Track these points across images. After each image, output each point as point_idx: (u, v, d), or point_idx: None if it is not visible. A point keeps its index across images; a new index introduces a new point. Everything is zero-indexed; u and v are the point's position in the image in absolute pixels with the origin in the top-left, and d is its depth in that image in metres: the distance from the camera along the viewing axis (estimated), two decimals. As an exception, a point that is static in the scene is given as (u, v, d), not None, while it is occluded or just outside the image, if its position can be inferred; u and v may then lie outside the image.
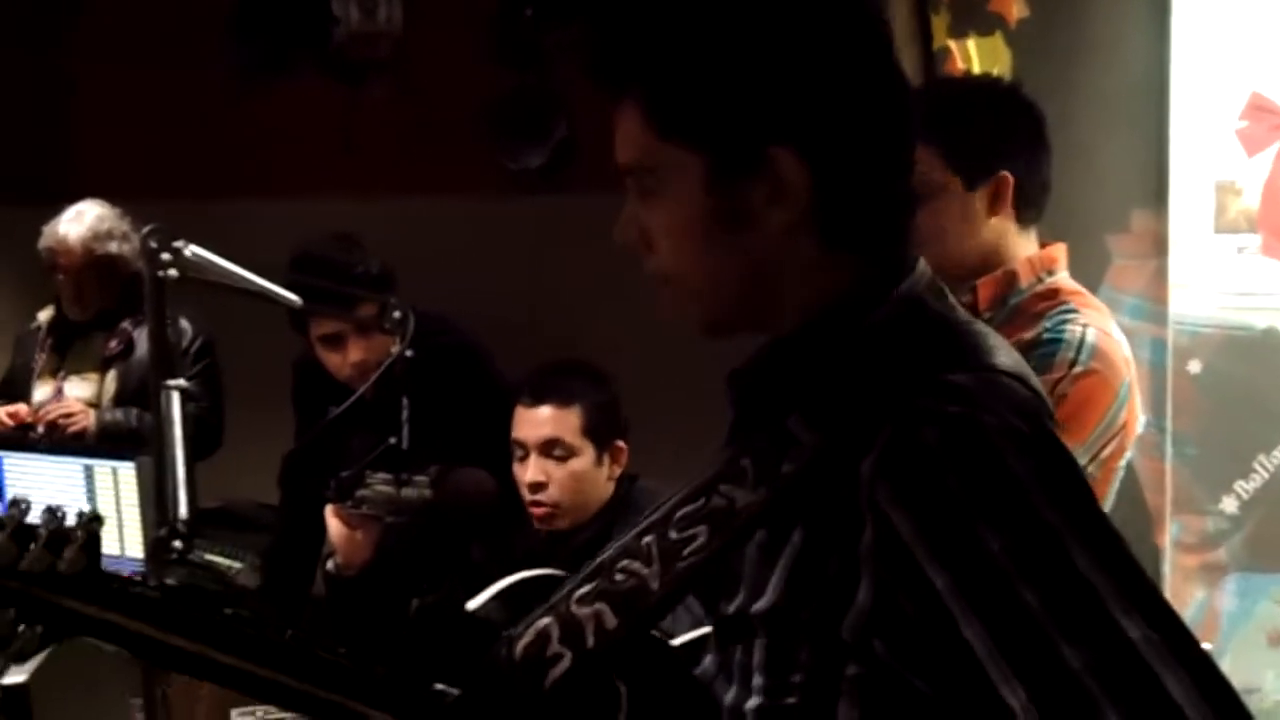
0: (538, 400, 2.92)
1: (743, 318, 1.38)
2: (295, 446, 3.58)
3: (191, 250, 2.57)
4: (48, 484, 3.58)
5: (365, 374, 3.08)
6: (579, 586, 1.40)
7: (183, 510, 2.54)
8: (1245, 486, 3.76)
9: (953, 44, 3.59)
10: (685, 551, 1.34)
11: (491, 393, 3.38)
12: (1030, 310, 2.42)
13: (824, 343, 1.32)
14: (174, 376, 2.57)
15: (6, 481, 3.63)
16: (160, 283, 2.53)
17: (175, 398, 2.57)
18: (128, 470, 3.44)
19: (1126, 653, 1.17)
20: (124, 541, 3.47)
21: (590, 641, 1.37)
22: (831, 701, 1.28)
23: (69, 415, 4.08)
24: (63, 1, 5.18)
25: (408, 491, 2.80)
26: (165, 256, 2.54)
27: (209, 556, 3.79)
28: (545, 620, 1.40)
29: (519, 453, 2.93)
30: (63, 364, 4.30)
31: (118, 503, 3.47)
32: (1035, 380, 1.35)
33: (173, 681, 2.82)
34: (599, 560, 1.41)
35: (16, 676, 1.85)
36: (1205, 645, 1.25)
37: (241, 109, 4.95)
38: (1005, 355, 1.34)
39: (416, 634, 2.96)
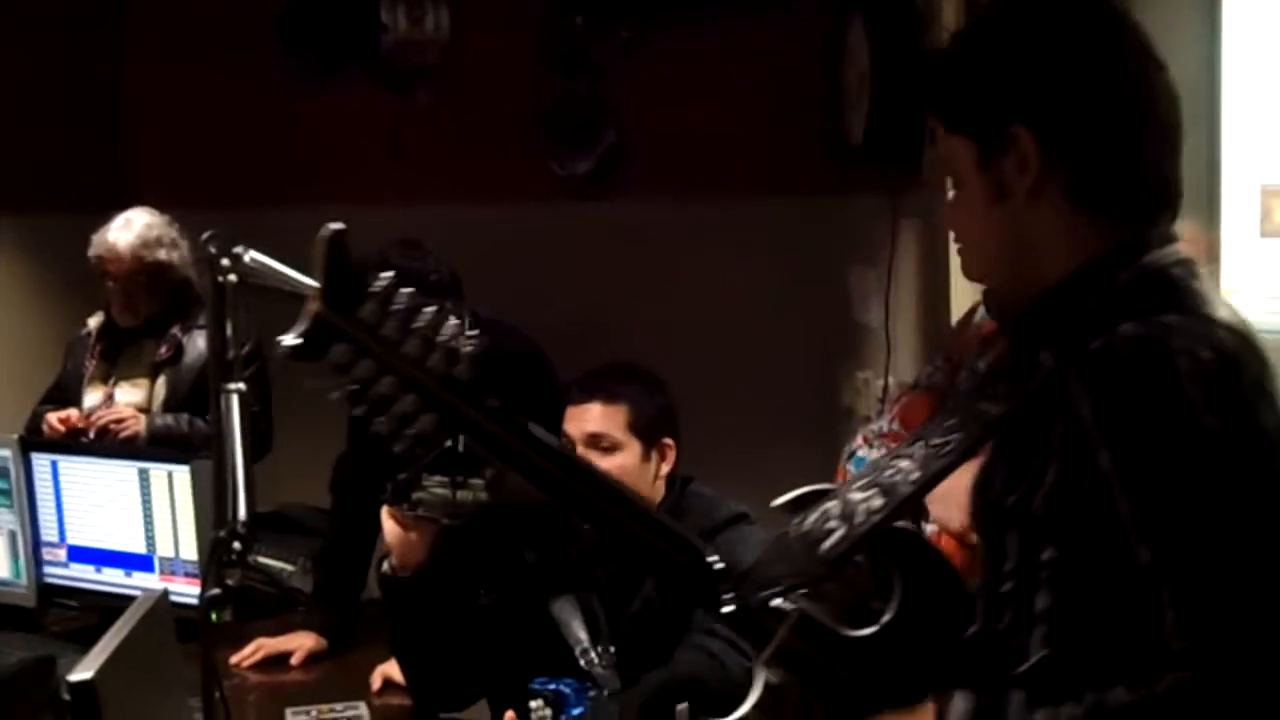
0: (586, 397, 2.94)
1: (1012, 281, 1.68)
2: (348, 449, 3.61)
3: (250, 255, 2.61)
4: (103, 487, 3.62)
5: None
6: (857, 480, 1.73)
7: (242, 512, 2.57)
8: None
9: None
10: (942, 452, 1.66)
11: (551, 400, 3.40)
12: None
13: (1076, 298, 1.60)
14: (233, 380, 2.60)
15: (63, 484, 3.67)
16: (220, 288, 2.56)
17: (235, 401, 2.60)
18: (183, 473, 3.48)
19: (1234, 566, 1.43)
20: (179, 544, 3.51)
21: (859, 519, 1.68)
22: (1032, 588, 1.55)
23: (120, 421, 4.11)
24: (112, 9, 5.21)
25: (463, 494, 2.81)
26: (224, 262, 2.58)
27: (262, 559, 3.83)
28: (829, 504, 1.72)
29: (567, 445, 2.94)
30: (113, 370, 4.33)
31: (172, 506, 3.51)
32: (1251, 333, 1.59)
33: (228, 679, 2.86)
34: (875, 461, 1.78)
35: (84, 673, 1.88)
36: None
37: (291, 117, 4.98)
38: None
39: (478, 633, 2.98)
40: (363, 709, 3.14)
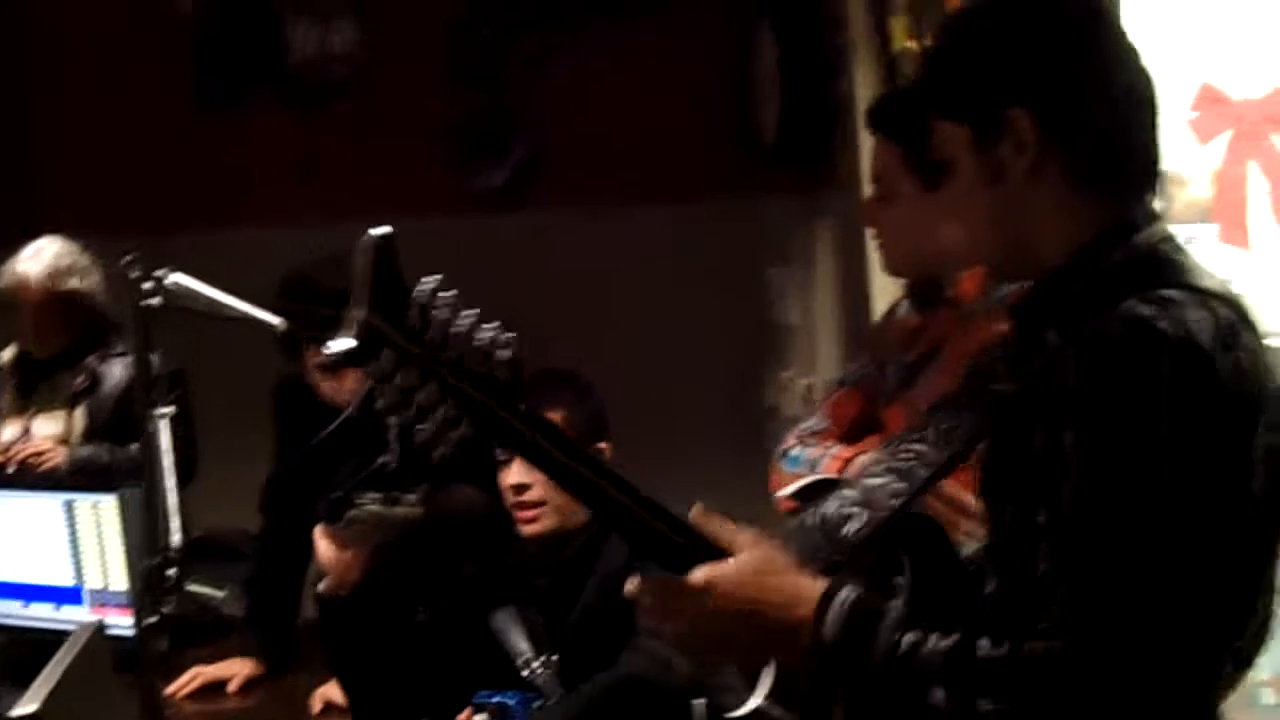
0: None
1: (1010, 263, 1.71)
2: (279, 470, 3.57)
3: (173, 278, 2.58)
4: (27, 521, 3.55)
5: None
6: (872, 467, 1.77)
7: (175, 538, 2.54)
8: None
9: (913, 45, 3.62)
10: (954, 434, 1.71)
11: None
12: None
13: (1076, 278, 1.62)
14: (159, 405, 2.58)
15: (-14, 521, 3.61)
16: (142, 311, 2.54)
17: (163, 426, 2.58)
18: (109, 503, 3.41)
19: (1137, 558, 1.45)
20: (108, 575, 3.45)
21: (880, 504, 1.73)
22: (1032, 551, 1.53)
23: (39, 454, 4.05)
24: (17, 35, 5.14)
25: (398, 510, 2.81)
26: (146, 285, 2.55)
27: (192, 587, 3.77)
28: (845, 492, 1.77)
29: (503, 458, 2.93)
30: (29, 402, 4.26)
31: (100, 537, 3.44)
32: (1244, 306, 1.59)
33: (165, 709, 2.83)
34: (888, 447, 1.79)
35: (28, 707, 1.85)
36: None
37: (201, 139, 4.93)
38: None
39: (418, 649, 2.96)
40: (305, 732, 3.11)
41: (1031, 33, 1.65)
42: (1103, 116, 1.63)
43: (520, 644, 2.95)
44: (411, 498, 2.82)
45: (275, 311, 2.77)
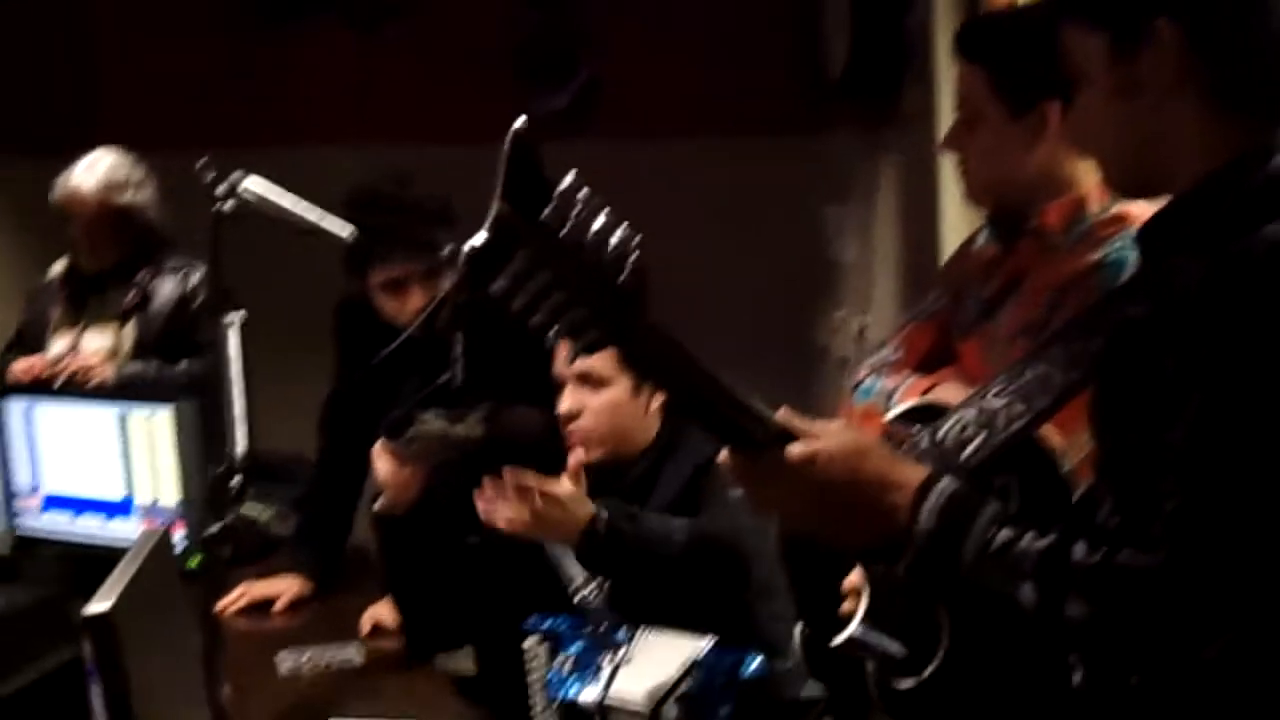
0: None
1: (1141, 179, 1.66)
2: (339, 388, 3.55)
3: (247, 183, 2.55)
4: (80, 432, 3.54)
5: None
6: (993, 387, 1.73)
7: (241, 447, 2.53)
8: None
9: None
10: (1082, 355, 1.67)
11: (542, 344, 3.35)
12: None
13: (1210, 203, 1.56)
14: (231, 310, 2.55)
15: (38, 430, 3.60)
16: (217, 216, 2.51)
17: (233, 334, 2.56)
18: (164, 416, 3.40)
19: (1252, 486, 1.41)
20: (159, 488, 3.44)
21: (1000, 425, 1.69)
22: (1156, 475, 1.47)
23: (87, 369, 4.03)
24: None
25: (459, 429, 2.78)
26: (221, 189, 2.53)
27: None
28: (965, 412, 1.72)
29: (557, 384, 2.90)
30: (80, 316, 4.24)
31: (152, 450, 3.43)
32: None
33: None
34: (1011, 367, 1.74)
35: (100, 606, 1.83)
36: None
37: (258, 57, 4.90)
38: None
39: (472, 571, 2.94)
40: (353, 651, 3.09)
41: None
42: (1253, 35, 1.57)
43: (573, 570, 2.92)
44: (473, 417, 2.79)
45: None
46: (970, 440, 1.70)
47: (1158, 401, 1.50)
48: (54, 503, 3.60)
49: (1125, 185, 1.73)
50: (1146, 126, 1.60)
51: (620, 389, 2.87)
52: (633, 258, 1.63)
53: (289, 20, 4.72)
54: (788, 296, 4.91)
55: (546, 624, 2.78)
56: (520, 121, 1.58)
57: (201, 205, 2.54)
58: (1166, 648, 1.46)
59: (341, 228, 2.70)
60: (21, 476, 3.62)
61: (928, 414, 1.79)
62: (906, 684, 1.76)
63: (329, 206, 2.98)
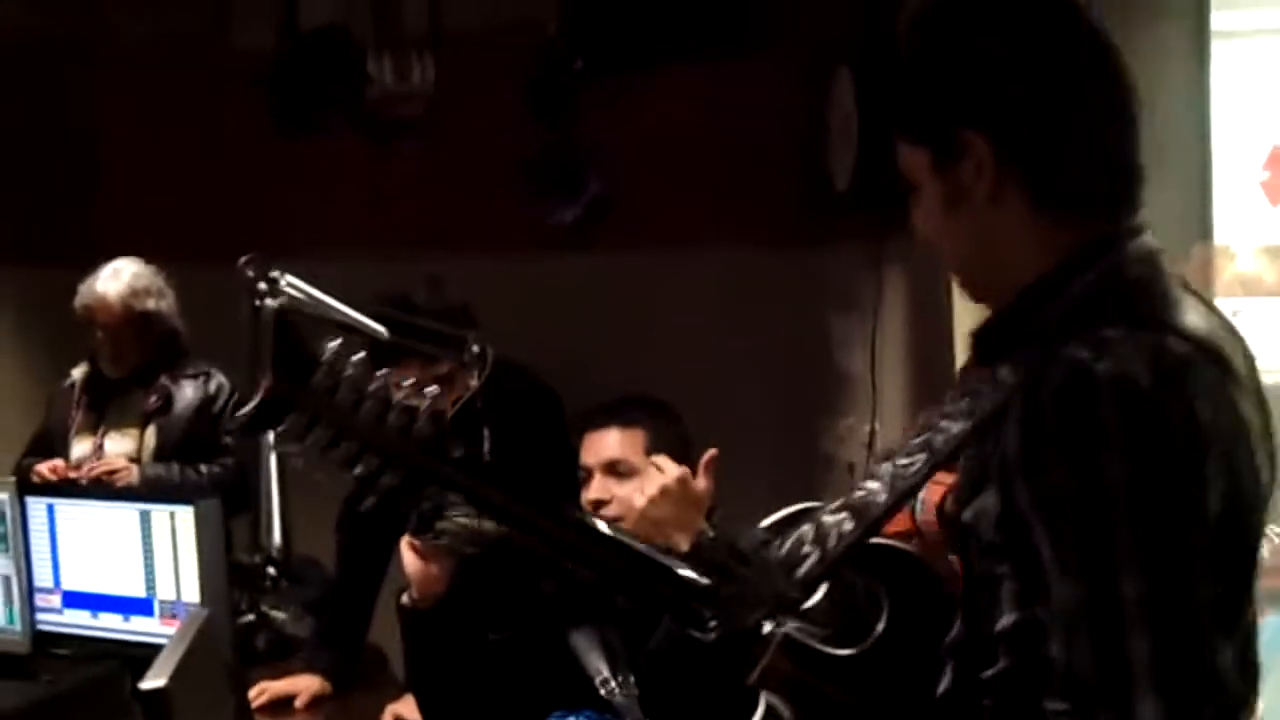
0: (604, 423, 2.96)
1: (982, 284, 1.69)
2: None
3: (287, 280, 2.62)
4: (101, 530, 3.58)
5: None
6: (831, 504, 1.76)
7: (277, 539, 2.58)
8: (1276, 530, 3.83)
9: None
10: (909, 472, 1.69)
11: (565, 443, 3.43)
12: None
13: (1034, 308, 1.59)
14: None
15: (59, 528, 3.64)
16: (257, 311, 2.57)
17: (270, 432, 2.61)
18: (186, 514, 3.44)
19: (1111, 603, 1.43)
20: (180, 587, 3.48)
21: (832, 541, 1.72)
22: (993, 596, 1.58)
23: (113, 471, 4.11)
24: (86, 54, 5.22)
25: (487, 523, 2.82)
26: (262, 286, 2.59)
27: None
28: (805, 528, 1.76)
29: (583, 476, 2.96)
30: (101, 420, 4.32)
31: (175, 547, 3.47)
32: (1214, 339, 1.54)
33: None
34: (854, 486, 1.77)
35: (156, 681, 1.88)
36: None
37: (272, 168, 4.99)
38: (1192, 317, 1.55)
39: (496, 666, 2.97)
40: (376, 747, 3.13)
41: (988, 51, 1.60)
42: (1065, 139, 1.58)
43: (598, 664, 2.96)
44: (502, 511, 2.83)
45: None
46: (806, 558, 1.74)
47: (988, 530, 1.57)
48: (74, 600, 3.63)
49: (971, 289, 1.72)
50: (977, 233, 1.62)
51: (669, 474, 2.90)
52: (425, 405, 1.79)
53: (306, 131, 4.82)
54: (795, 405, 4.98)
55: (571, 718, 2.82)
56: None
57: (214, 318, 2.60)
58: None
59: (377, 325, 2.77)
60: (42, 575, 3.66)
61: (803, 516, 1.85)
62: None
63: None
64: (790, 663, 1.84)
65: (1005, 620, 1.56)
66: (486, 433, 3.09)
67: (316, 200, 4.98)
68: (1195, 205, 3.44)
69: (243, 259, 2.52)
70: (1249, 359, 1.62)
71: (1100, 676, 1.44)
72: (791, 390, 4.99)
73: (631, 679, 2.92)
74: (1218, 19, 3.54)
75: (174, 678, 1.93)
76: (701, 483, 2.72)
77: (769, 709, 1.86)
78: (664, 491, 2.66)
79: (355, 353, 1.81)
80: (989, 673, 1.58)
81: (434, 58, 4.77)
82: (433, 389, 1.91)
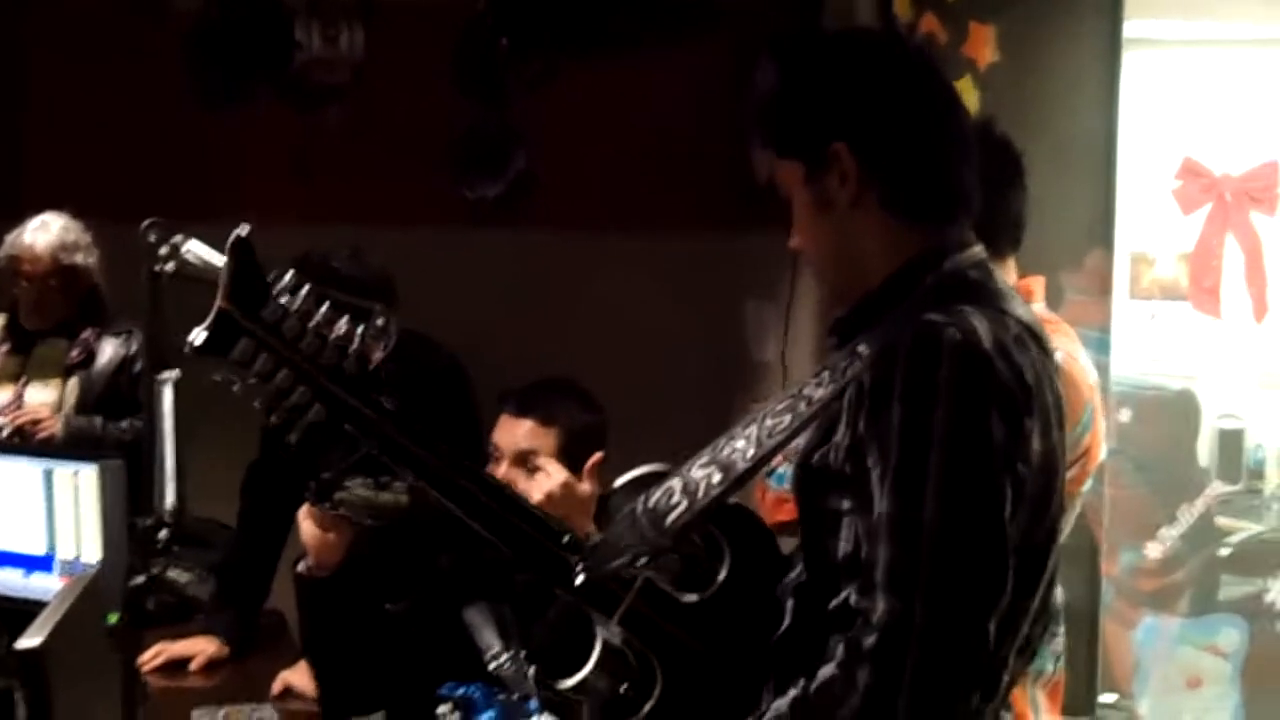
0: (522, 412, 2.96)
1: (844, 284, 1.86)
2: (260, 456, 3.62)
3: (189, 245, 2.63)
4: (5, 485, 3.58)
5: None
6: (698, 459, 1.89)
7: (170, 501, 2.59)
8: (1170, 533, 3.91)
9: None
10: (774, 431, 1.82)
11: (467, 411, 3.45)
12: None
13: (890, 299, 1.80)
14: (166, 369, 2.62)
15: (-37, 484, 3.63)
16: (156, 276, 2.59)
17: (167, 390, 2.63)
18: (89, 473, 3.45)
19: (912, 522, 1.64)
20: (80, 545, 3.48)
21: (700, 494, 1.85)
22: (834, 531, 1.76)
23: (37, 421, 4.11)
24: (20, 8, 5.18)
25: (385, 496, 2.84)
26: (163, 251, 2.60)
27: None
28: (672, 480, 1.90)
29: (495, 454, 2.98)
30: (22, 370, 4.32)
31: (76, 506, 3.48)
32: (1039, 329, 1.82)
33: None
34: (716, 442, 1.90)
35: (32, 641, 1.89)
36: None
37: (197, 132, 4.97)
38: (1020, 308, 1.81)
39: (390, 637, 3.00)
40: (269, 711, 3.14)
41: (853, 75, 1.82)
42: (916, 153, 1.82)
43: (490, 638, 2.99)
44: (400, 485, 2.85)
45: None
46: (675, 507, 1.88)
47: (834, 472, 1.75)
48: (-25, 555, 3.63)
49: (832, 287, 1.93)
50: (841, 236, 1.83)
51: (554, 480, 2.93)
52: (354, 346, 1.94)
53: (231, 97, 4.80)
54: (707, 389, 5.01)
55: (460, 691, 2.84)
56: (241, 229, 1.94)
57: (136, 277, 2.62)
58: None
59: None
60: (-56, 529, 3.65)
61: (655, 479, 1.97)
62: None
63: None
64: (646, 605, 1.95)
65: (845, 549, 1.73)
66: (389, 405, 3.10)
67: (240, 164, 4.95)
68: (1100, 210, 3.51)
69: (145, 223, 2.53)
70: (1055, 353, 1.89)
71: (890, 579, 1.65)
72: (705, 372, 5.02)
73: (522, 654, 2.95)
74: (1133, 27, 3.60)
75: (51, 638, 1.94)
76: (586, 486, 2.88)
77: (605, 646, 1.97)
78: (549, 497, 2.80)
79: (303, 287, 1.94)
80: (834, 603, 1.74)
81: (363, 25, 4.75)
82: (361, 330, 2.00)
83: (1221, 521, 3.88)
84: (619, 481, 2.09)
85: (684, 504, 1.87)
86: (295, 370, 1.91)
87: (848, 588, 1.73)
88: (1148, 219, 3.81)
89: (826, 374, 1.81)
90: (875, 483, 1.68)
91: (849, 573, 1.73)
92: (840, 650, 1.69)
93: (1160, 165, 3.82)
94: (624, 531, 1.93)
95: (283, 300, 1.93)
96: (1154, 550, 3.87)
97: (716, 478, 1.86)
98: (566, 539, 2.01)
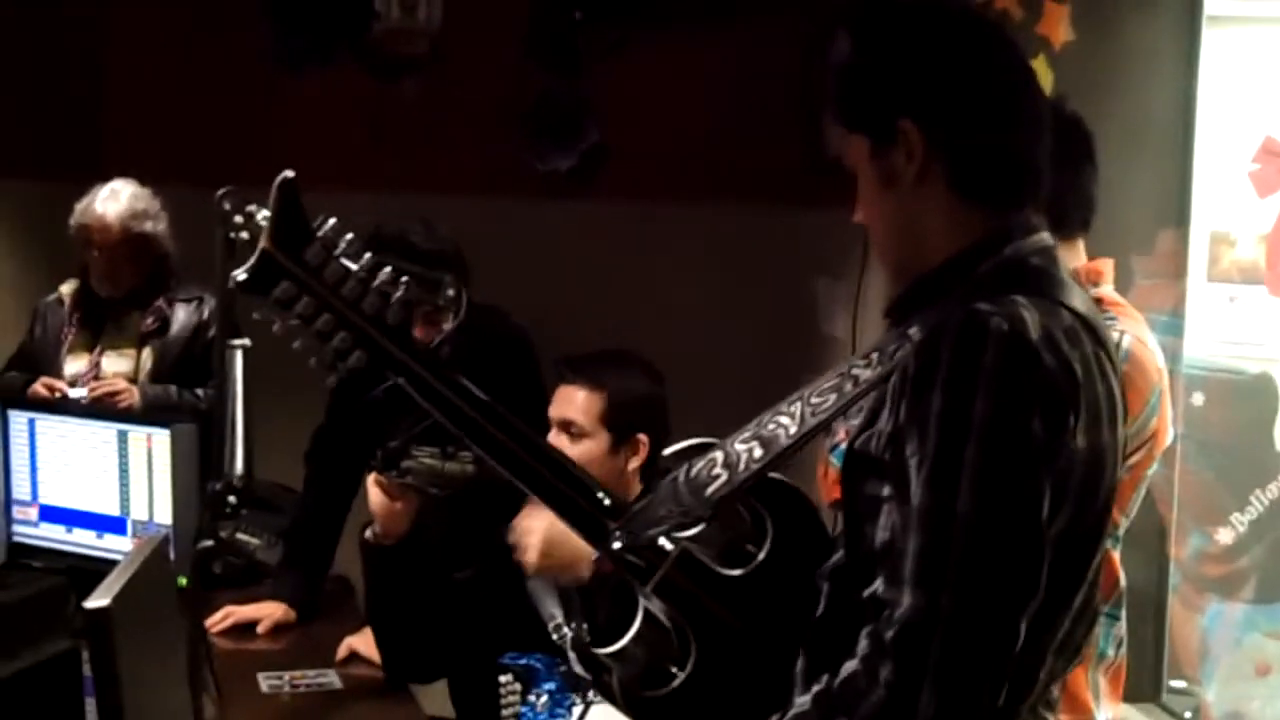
0: (572, 380, 2.99)
1: (905, 262, 1.82)
2: (326, 423, 3.65)
3: (263, 215, 2.65)
4: (80, 447, 3.64)
5: None
6: (742, 433, 1.88)
7: (239, 467, 2.62)
8: (1241, 519, 3.87)
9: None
10: (817, 411, 1.82)
11: (533, 384, 3.47)
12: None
13: (946, 282, 1.75)
14: (238, 337, 2.65)
15: (39, 443, 3.69)
16: (231, 244, 2.61)
17: (238, 357, 2.66)
18: (162, 437, 3.51)
19: (946, 515, 1.59)
20: (153, 507, 3.54)
21: (741, 467, 1.85)
22: (874, 518, 1.70)
23: (115, 393, 4.14)
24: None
25: (452, 466, 2.86)
26: (237, 219, 2.63)
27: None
28: (715, 453, 1.89)
29: (547, 426, 3.00)
30: (96, 339, 4.36)
31: (150, 469, 3.54)
32: (1097, 321, 1.76)
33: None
34: (759, 418, 1.89)
35: (100, 601, 1.93)
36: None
37: (275, 98, 5.01)
38: (1078, 299, 1.75)
39: (454, 605, 3.02)
40: (333, 676, 3.18)
41: (923, 50, 1.78)
42: (986, 133, 1.78)
43: (552, 609, 3.00)
44: (467, 455, 2.87)
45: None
46: (716, 479, 1.87)
47: (878, 456, 1.69)
48: (50, 514, 3.70)
49: (892, 265, 1.88)
50: (904, 214, 1.79)
51: (598, 444, 2.95)
52: (398, 294, 1.94)
53: (309, 62, 4.83)
54: (776, 364, 5.00)
55: (522, 661, 2.86)
56: (287, 173, 1.96)
57: (207, 242, 2.65)
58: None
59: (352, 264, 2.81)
60: (20, 488, 3.72)
61: (703, 449, 1.97)
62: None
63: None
64: (685, 577, 1.95)
65: (882, 537, 1.69)
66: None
67: (316, 132, 4.98)
68: (1174, 192, 3.46)
69: (219, 192, 2.56)
70: (1117, 348, 1.85)
71: (917, 572, 1.60)
72: (774, 349, 5.00)
73: (584, 625, 2.96)
74: (1215, 4, 3.54)
75: (118, 598, 1.97)
76: (623, 460, 2.95)
77: (647, 615, 1.99)
78: (586, 461, 2.80)
79: (349, 232, 1.96)
80: (866, 592, 1.69)
81: (442, -4, 4.77)
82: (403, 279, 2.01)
83: (1297, 507, 3.84)
84: (668, 451, 2.10)
85: (724, 476, 1.87)
86: (336, 314, 1.93)
87: (881, 575, 1.69)
88: (1229, 199, 3.76)
89: (876, 355, 1.78)
90: (912, 471, 1.63)
91: (884, 561, 1.69)
92: (864, 643, 1.65)
93: (1241, 145, 3.76)
94: (665, 499, 1.93)
95: (326, 245, 1.95)
96: (1225, 536, 3.83)
97: (758, 452, 1.85)
98: (608, 503, 2.02)
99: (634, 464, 3.01)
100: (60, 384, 4.17)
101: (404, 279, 2.02)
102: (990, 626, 1.59)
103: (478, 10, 4.86)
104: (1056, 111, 2.65)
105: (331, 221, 1.98)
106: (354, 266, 1.95)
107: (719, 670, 1.97)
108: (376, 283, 1.95)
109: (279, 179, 1.96)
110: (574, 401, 2.97)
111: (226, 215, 2.59)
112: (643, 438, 3.01)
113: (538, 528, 2.68)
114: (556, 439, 2.94)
